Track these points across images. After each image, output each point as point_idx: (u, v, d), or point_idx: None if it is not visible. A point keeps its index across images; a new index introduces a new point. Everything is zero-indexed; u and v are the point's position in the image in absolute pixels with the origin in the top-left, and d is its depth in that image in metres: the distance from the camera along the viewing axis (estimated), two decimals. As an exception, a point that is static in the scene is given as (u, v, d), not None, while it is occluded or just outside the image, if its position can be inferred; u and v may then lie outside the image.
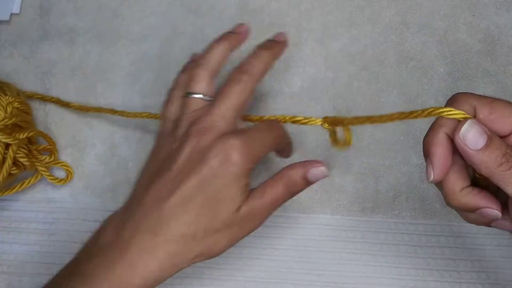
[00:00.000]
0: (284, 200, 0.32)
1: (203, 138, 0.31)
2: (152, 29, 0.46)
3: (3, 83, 0.42)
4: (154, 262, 0.29)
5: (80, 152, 0.43)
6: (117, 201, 0.41)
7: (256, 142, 0.31)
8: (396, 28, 0.45)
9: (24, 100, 0.41)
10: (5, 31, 0.47)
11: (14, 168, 0.39)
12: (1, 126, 0.37)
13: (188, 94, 0.33)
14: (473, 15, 0.45)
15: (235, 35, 0.36)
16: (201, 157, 0.30)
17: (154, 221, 0.29)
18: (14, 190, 0.41)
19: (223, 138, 0.30)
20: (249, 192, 0.31)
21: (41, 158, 0.40)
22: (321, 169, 0.32)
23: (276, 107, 0.43)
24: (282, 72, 0.44)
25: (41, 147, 0.41)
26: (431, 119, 0.43)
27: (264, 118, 0.35)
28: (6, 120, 0.38)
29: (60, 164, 0.42)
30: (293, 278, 0.39)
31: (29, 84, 0.45)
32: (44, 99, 0.44)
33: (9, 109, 0.38)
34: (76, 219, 0.41)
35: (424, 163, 0.41)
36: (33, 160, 0.40)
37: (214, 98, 0.33)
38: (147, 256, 0.29)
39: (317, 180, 0.32)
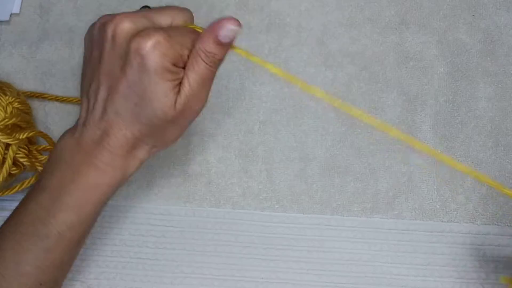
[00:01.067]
0: (213, 74, 0.32)
1: (120, 26, 0.30)
2: (152, 29, 0.46)
3: (3, 83, 0.42)
4: (118, 160, 0.31)
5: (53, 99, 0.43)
6: (115, 198, 0.41)
7: (178, 34, 0.30)
8: (396, 28, 0.45)
9: (24, 100, 0.41)
10: (5, 31, 0.47)
11: (14, 168, 0.39)
12: (1, 126, 0.37)
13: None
14: (473, 15, 0.45)
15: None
16: (121, 55, 0.30)
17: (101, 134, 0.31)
18: (14, 190, 0.41)
19: (144, 31, 0.29)
20: (180, 86, 0.31)
21: (41, 159, 0.40)
22: (229, 27, 0.30)
23: (276, 107, 0.43)
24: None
25: (41, 147, 0.41)
26: (431, 118, 0.43)
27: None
28: (6, 120, 0.38)
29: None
30: (292, 278, 0.39)
31: (28, 84, 0.45)
32: (43, 96, 0.44)
33: (9, 109, 0.38)
34: (76, 219, 0.41)
35: (424, 163, 0.41)
36: (33, 160, 0.40)
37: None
38: (108, 155, 0.31)
39: (232, 39, 0.30)
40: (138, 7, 0.46)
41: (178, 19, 0.32)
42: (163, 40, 0.29)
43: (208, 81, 0.32)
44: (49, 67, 0.45)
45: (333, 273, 0.39)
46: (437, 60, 0.44)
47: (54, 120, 0.44)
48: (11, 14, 0.47)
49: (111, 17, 0.31)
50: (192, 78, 0.31)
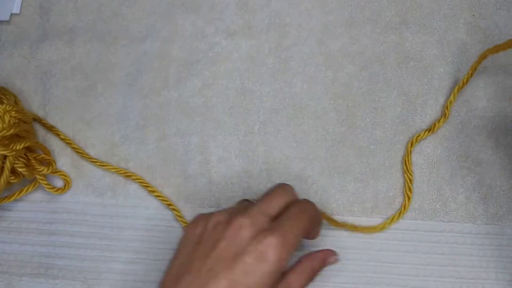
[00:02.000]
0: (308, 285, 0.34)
1: (241, 231, 0.31)
2: (152, 29, 0.46)
3: (0, 89, 0.41)
4: None
5: (80, 152, 0.43)
6: (117, 201, 0.42)
7: (291, 234, 0.32)
8: (396, 28, 0.45)
9: (22, 108, 0.40)
10: (5, 31, 0.47)
11: (13, 177, 0.39)
12: None
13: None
14: (473, 15, 0.45)
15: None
16: (236, 253, 0.31)
17: None
18: (12, 198, 0.41)
19: (260, 235, 0.31)
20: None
21: (40, 169, 0.40)
22: (336, 257, 0.36)
23: (276, 107, 0.43)
24: (283, 72, 0.44)
25: (40, 156, 0.41)
26: (430, 119, 0.43)
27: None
28: (4, 131, 0.37)
29: (58, 173, 0.42)
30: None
31: (29, 84, 0.45)
32: (46, 126, 0.44)
33: (6, 118, 0.37)
34: (76, 219, 0.42)
35: (424, 164, 0.41)
36: (32, 169, 0.40)
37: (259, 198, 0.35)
38: None
39: (329, 265, 0.36)
40: (138, 7, 0.47)
41: (285, 200, 0.34)
42: (281, 240, 0.31)
43: None
44: (50, 67, 0.45)
45: (333, 273, 0.39)
46: (437, 60, 0.44)
47: (54, 120, 0.44)
48: (11, 14, 0.47)
49: (226, 217, 0.33)
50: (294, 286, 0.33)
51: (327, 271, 0.39)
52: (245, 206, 0.34)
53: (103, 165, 0.42)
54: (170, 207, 0.41)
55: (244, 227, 0.31)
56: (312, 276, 0.35)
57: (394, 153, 0.42)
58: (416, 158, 0.41)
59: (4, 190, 0.39)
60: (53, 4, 0.47)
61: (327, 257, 0.36)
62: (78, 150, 0.43)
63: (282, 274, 0.32)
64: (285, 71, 0.44)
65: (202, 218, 0.34)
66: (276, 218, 0.33)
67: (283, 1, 0.46)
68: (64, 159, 0.43)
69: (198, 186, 0.42)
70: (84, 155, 0.42)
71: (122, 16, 0.46)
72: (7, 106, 0.38)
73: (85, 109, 0.44)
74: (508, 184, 0.40)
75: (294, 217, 0.33)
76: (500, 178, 0.41)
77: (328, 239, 0.40)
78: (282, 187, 0.35)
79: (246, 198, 0.39)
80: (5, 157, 0.38)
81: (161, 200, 0.41)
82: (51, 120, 0.44)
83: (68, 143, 0.43)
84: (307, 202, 0.35)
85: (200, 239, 0.32)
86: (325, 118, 0.43)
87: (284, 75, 0.44)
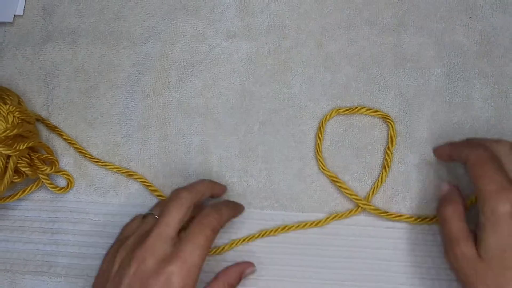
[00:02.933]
0: None
1: (143, 265, 0.32)
2: (154, 31, 0.46)
3: (3, 90, 0.41)
4: None
5: (82, 152, 0.43)
6: (119, 200, 0.42)
7: (193, 256, 0.33)
8: (393, 30, 0.45)
9: (26, 109, 0.40)
10: (9, 33, 0.47)
11: (17, 176, 0.39)
12: (2, 137, 0.37)
13: (148, 213, 0.37)
14: (470, 17, 0.45)
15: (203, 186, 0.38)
16: (141, 286, 0.32)
17: None
18: (16, 197, 0.41)
19: (160, 266, 0.32)
20: None
21: (43, 169, 0.40)
22: (253, 269, 0.39)
23: (275, 107, 0.44)
24: (282, 73, 0.45)
25: (43, 156, 0.41)
26: (428, 119, 0.43)
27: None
28: (8, 132, 0.37)
29: (61, 173, 0.42)
30: (292, 275, 0.40)
31: (32, 85, 0.45)
32: (49, 126, 0.44)
33: (10, 119, 0.38)
34: (79, 218, 0.42)
35: (422, 163, 0.41)
36: (35, 168, 0.40)
37: (158, 215, 0.35)
38: None
39: (247, 276, 0.38)
40: (140, 9, 0.47)
41: (181, 213, 0.35)
42: (184, 265, 0.32)
43: None
44: (53, 68, 0.46)
45: (331, 271, 0.40)
46: (434, 61, 0.44)
47: (57, 120, 0.44)
48: (14, 16, 0.47)
49: (128, 252, 0.34)
50: None
51: (325, 268, 0.40)
52: (144, 232, 0.35)
53: (105, 165, 0.42)
54: None
55: (145, 260, 0.32)
56: None
57: (391, 152, 0.42)
58: (413, 157, 0.42)
59: (7, 190, 0.39)
60: (56, 6, 0.47)
61: (244, 270, 0.38)
62: (80, 150, 0.43)
63: None
64: (284, 72, 0.45)
65: (109, 254, 0.35)
66: (179, 233, 0.34)
67: (282, 3, 0.46)
68: (67, 159, 0.43)
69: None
70: (87, 155, 0.43)
71: (124, 18, 0.47)
72: (11, 106, 0.38)
73: (88, 110, 0.44)
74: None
75: (194, 237, 0.33)
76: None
77: (326, 237, 0.40)
78: (176, 198, 0.35)
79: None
80: (8, 156, 0.38)
81: (163, 199, 0.42)
82: (54, 120, 0.44)
83: (70, 143, 0.43)
84: (207, 213, 0.35)
85: (107, 277, 0.34)
86: (324, 118, 0.43)
87: (283, 76, 0.44)
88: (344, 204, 0.41)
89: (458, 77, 0.44)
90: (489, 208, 0.32)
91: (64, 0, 0.48)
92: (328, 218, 0.40)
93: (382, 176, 0.41)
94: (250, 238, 0.40)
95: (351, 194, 0.40)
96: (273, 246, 0.40)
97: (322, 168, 0.41)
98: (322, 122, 0.42)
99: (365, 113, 0.42)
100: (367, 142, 0.42)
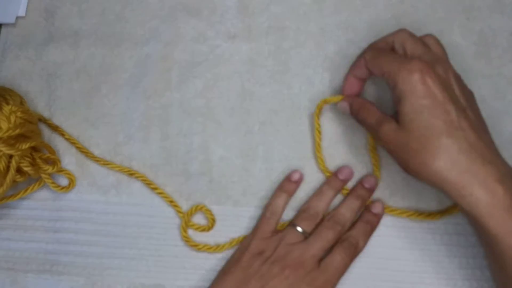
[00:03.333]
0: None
1: (296, 273, 0.36)
2: (155, 32, 0.46)
3: (5, 90, 0.41)
4: None
5: (84, 151, 0.44)
6: (121, 199, 0.42)
7: (333, 278, 0.37)
8: (392, 31, 0.45)
9: (28, 109, 0.40)
10: (11, 34, 0.47)
11: (19, 176, 0.39)
12: (4, 137, 0.37)
13: (293, 224, 0.39)
14: (468, 18, 0.45)
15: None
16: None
17: None
18: (18, 196, 0.41)
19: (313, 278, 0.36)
20: None
21: (45, 168, 0.40)
22: (299, 174, 0.41)
23: (275, 108, 0.44)
24: (282, 74, 0.45)
25: (45, 156, 0.41)
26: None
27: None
28: (10, 131, 0.37)
29: (63, 172, 0.42)
30: (292, 274, 0.40)
31: (34, 85, 0.45)
32: (51, 126, 0.44)
33: (12, 119, 0.37)
34: (81, 217, 0.42)
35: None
36: (37, 168, 0.40)
37: (310, 237, 0.38)
38: None
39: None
40: (141, 11, 0.47)
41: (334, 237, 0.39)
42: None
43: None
44: (55, 69, 0.46)
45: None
46: (433, 62, 0.44)
47: (59, 120, 0.45)
48: (16, 17, 0.47)
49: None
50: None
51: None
52: (298, 245, 0.38)
53: (107, 164, 0.43)
54: (172, 204, 0.42)
55: (295, 271, 0.36)
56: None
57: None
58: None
59: (10, 189, 0.39)
60: (58, 7, 0.48)
61: (291, 177, 0.41)
62: (82, 150, 0.43)
63: None
64: (284, 73, 0.45)
65: (253, 254, 0.38)
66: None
67: (282, 5, 0.46)
68: (69, 158, 0.44)
69: (200, 184, 0.42)
70: (89, 155, 0.43)
71: (125, 19, 0.47)
72: (13, 107, 0.38)
73: (90, 110, 0.45)
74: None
75: (339, 262, 0.37)
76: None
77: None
78: (332, 230, 0.38)
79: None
80: (11, 156, 0.38)
81: (164, 198, 0.42)
82: (56, 120, 0.45)
83: (72, 143, 0.44)
84: (350, 244, 0.38)
85: (256, 273, 0.37)
86: (323, 118, 0.43)
87: (283, 77, 0.45)
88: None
89: (456, 77, 0.44)
90: (402, 81, 0.34)
91: (66, 1, 0.48)
92: None
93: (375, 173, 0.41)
94: None
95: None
96: (273, 244, 0.41)
97: (322, 166, 0.42)
98: (316, 115, 0.42)
99: None
100: (366, 141, 0.43)
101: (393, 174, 0.42)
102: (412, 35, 0.37)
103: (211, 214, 0.41)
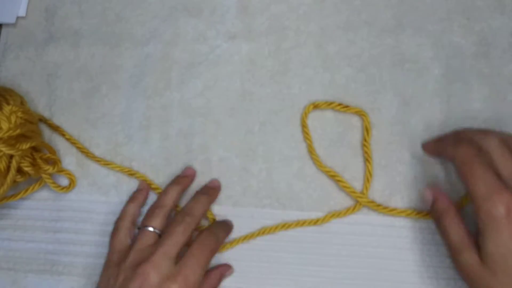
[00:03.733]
0: None
1: (147, 281, 0.34)
2: (155, 32, 0.46)
3: (6, 90, 0.41)
4: None
5: (84, 152, 0.44)
6: (121, 199, 0.42)
7: (194, 274, 0.35)
8: (392, 31, 0.45)
9: (28, 109, 0.41)
10: (11, 34, 0.47)
11: (19, 176, 0.40)
12: (5, 137, 0.37)
13: (144, 226, 0.38)
14: (468, 18, 0.45)
15: (185, 178, 0.42)
16: None
17: None
18: (18, 196, 0.41)
19: (165, 284, 0.34)
20: None
21: (45, 168, 0.40)
22: (231, 271, 0.40)
23: (275, 108, 0.44)
24: (282, 74, 0.45)
25: (46, 156, 0.41)
26: (426, 119, 0.43)
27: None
28: (10, 131, 0.37)
29: (64, 172, 0.42)
30: (292, 273, 0.40)
31: (35, 85, 0.45)
32: (51, 126, 0.44)
33: (12, 119, 0.38)
34: (81, 217, 0.42)
35: (419, 163, 0.41)
36: (38, 168, 0.40)
37: (162, 235, 0.37)
38: None
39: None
40: (141, 11, 0.47)
41: (184, 237, 0.37)
42: (185, 284, 0.35)
43: None
44: (55, 69, 0.46)
45: (331, 269, 0.40)
46: (432, 62, 0.44)
47: (59, 121, 0.45)
48: (17, 17, 0.47)
49: (133, 267, 0.36)
50: None
51: (325, 266, 0.40)
52: (149, 248, 0.36)
53: (107, 164, 0.43)
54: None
55: (149, 276, 0.34)
56: None
57: (389, 152, 0.42)
58: (411, 157, 0.42)
59: (10, 189, 0.39)
60: (58, 7, 0.48)
61: (224, 273, 0.39)
62: (83, 150, 0.43)
63: None
64: (284, 73, 0.45)
65: (109, 269, 0.37)
66: (179, 255, 0.36)
67: (282, 5, 0.46)
68: (69, 159, 0.44)
69: (200, 184, 0.42)
70: (89, 155, 0.43)
71: (125, 19, 0.47)
72: (14, 107, 0.38)
73: (90, 110, 0.45)
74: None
75: (196, 258, 0.36)
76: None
77: (326, 235, 0.41)
78: (183, 222, 0.37)
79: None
80: (11, 156, 0.38)
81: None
82: (57, 120, 0.45)
83: (73, 143, 0.44)
84: (207, 235, 0.38)
85: None
86: (323, 118, 0.44)
87: (283, 77, 0.45)
88: (344, 203, 0.41)
89: (456, 78, 0.44)
90: (484, 213, 0.32)
91: (67, 1, 0.48)
92: (327, 216, 0.41)
93: (368, 169, 0.41)
94: (251, 236, 0.41)
95: (351, 190, 0.41)
96: (273, 244, 0.41)
97: (319, 165, 0.42)
98: (303, 118, 0.43)
99: (337, 108, 0.43)
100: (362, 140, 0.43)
101: (393, 174, 0.42)
102: (503, 144, 0.34)
103: (212, 214, 0.41)
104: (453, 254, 0.34)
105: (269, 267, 0.40)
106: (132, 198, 0.41)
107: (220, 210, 0.42)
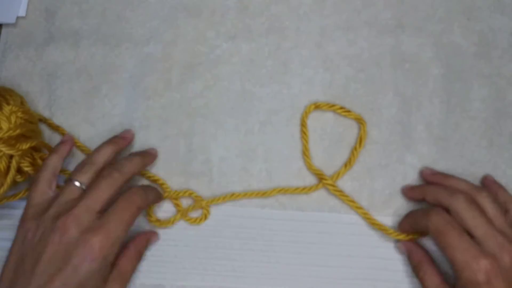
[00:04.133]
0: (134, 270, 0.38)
1: (67, 234, 0.33)
2: (155, 32, 0.46)
3: (6, 90, 0.41)
4: None
5: (85, 151, 0.44)
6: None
7: (116, 230, 0.34)
8: (392, 31, 0.45)
9: (28, 109, 0.40)
10: (12, 34, 0.47)
11: (19, 176, 0.39)
12: (5, 137, 0.37)
13: (70, 179, 0.37)
14: (468, 18, 0.46)
15: (121, 139, 0.41)
16: (64, 256, 0.33)
17: None
18: (18, 196, 0.41)
19: (85, 236, 0.33)
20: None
21: None
22: (157, 236, 0.40)
23: (275, 108, 0.44)
24: (282, 74, 0.45)
25: (46, 155, 0.41)
26: (426, 119, 0.43)
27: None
28: (10, 131, 0.37)
29: (64, 172, 0.42)
30: (292, 273, 0.40)
31: (35, 85, 0.45)
32: (52, 126, 0.44)
33: (12, 119, 0.37)
34: (81, 217, 0.42)
35: (419, 163, 0.41)
36: (37, 168, 0.40)
37: (86, 189, 0.36)
38: None
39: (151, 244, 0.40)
40: (141, 11, 0.47)
41: (110, 192, 0.36)
42: (105, 237, 0.34)
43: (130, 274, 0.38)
44: (55, 69, 0.46)
45: (331, 269, 0.40)
46: (432, 62, 0.44)
47: (59, 121, 0.44)
48: (17, 17, 0.47)
49: (52, 219, 0.35)
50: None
51: (325, 266, 0.40)
52: (72, 201, 0.35)
53: None
54: (175, 202, 0.42)
55: (69, 230, 0.33)
56: (140, 257, 0.38)
57: (389, 152, 0.42)
58: (411, 157, 0.42)
59: (10, 189, 0.39)
60: (58, 7, 0.48)
61: (150, 238, 0.39)
62: (83, 148, 0.43)
63: (112, 264, 0.35)
64: (284, 73, 0.45)
65: (27, 221, 0.36)
66: (103, 211, 0.35)
67: (282, 5, 0.46)
68: (69, 158, 0.43)
69: (200, 184, 0.42)
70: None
71: (126, 19, 0.47)
72: (13, 107, 0.38)
73: (90, 110, 0.45)
74: (501, 183, 0.41)
75: (120, 212, 0.35)
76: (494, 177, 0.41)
77: (326, 235, 0.41)
78: (109, 177, 0.36)
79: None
80: (11, 156, 0.38)
81: (86, 158, 0.40)
82: (57, 120, 0.44)
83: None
84: (134, 191, 0.37)
85: (31, 244, 0.34)
86: (323, 119, 0.44)
87: (283, 77, 0.45)
88: (343, 203, 0.41)
89: (456, 78, 0.44)
90: (465, 281, 0.34)
91: (67, 1, 0.48)
92: (275, 190, 0.41)
93: (339, 172, 0.41)
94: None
95: (318, 173, 0.41)
96: (273, 245, 0.41)
97: (309, 166, 0.42)
98: (303, 117, 0.43)
99: (338, 112, 0.43)
100: (366, 142, 0.43)
101: (394, 174, 0.42)
102: (470, 203, 0.36)
103: (207, 211, 0.41)
104: None
105: (269, 267, 0.40)
106: (54, 150, 0.40)
107: (220, 210, 0.42)
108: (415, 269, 0.38)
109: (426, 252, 0.39)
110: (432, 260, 0.38)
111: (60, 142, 0.41)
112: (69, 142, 0.41)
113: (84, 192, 0.36)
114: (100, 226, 0.34)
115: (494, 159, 0.42)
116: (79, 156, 0.44)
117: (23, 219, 0.36)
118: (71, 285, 0.32)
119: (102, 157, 0.39)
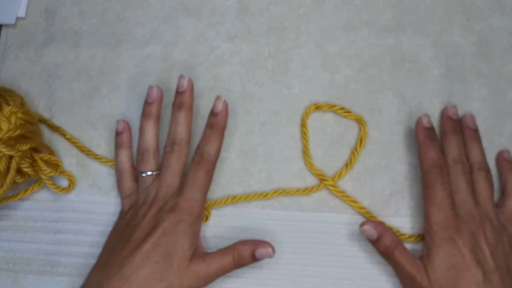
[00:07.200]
0: (231, 270, 0.37)
1: (161, 209, 0.38)
2: (155, 33, 0.46)
3: (6, 91, 0.41)
4: None
5: (85, 151, 0.44)
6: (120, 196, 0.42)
7: (193, 194, 0.38)
8: (392, 31, 0.45)
9: (28, 110, 0.40)
10: (11, 35, 0.47)
11: (19, 176, 0.39)
12: (4, 138, 0.37)
13: (141, 173, 0.40)
14: (468, 19, 0.46)
15: (153, 105, 0.42)
16: (154, 225, 0.37)
17: (119, 279, 0.35)
18: (18, 197, 0.41)
19: (171, 205, 0.37)
20: (202, 249, 0.39)
21: (47, 171, 0.40)
22: (268, 250, 0.37)
23: (275, 108, 0.44)
24: (282, 74, 0.45)
25: (46, 157, 0.41)
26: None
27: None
28: (10, 132, 0.37)
29: (64, 173, 0.42)
30: (293, 273, 0.40)
31: (35, 86, 0.45)
32: (52, 127, 0.44)
33: (12, 120, 0.37)
34: (81, 218, 0.42)
35: (418, 164, 0.41)
36: (37, 169, 0.40)
37: (160, 171, 0.40)
38: None
39: (262, 258, 0.37)
40: (141, 11, 0.47)
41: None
42: (188, 199, 0.38)
43: (224, 271, 0.38)
44: (55, 69, 0.46)
45: (331, 269, 0.40)
46: (432, 62, 0.44)
47: (60, 121, 0.45)
48: (17, 17, 0.47)
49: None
50: (216, 261, 0.37)
51: (325, 267, 0.40)
52: (149, 188, 0.39)
53: (108, 162, 0.43)
54: None
55: (158, 205, 0.38)
56: (238, 261, 0.37)
57: (390, 152, 0.42)
58: (411, 157, 0.42)
59: (10, 190, 0.39)
60: (58, 8, 0.48)
61: (259, 247, 0.37)
62: (83, 148, 0.43)
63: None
64: (284, 73, 0.45)
65: (134, 208, 0.40)
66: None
67: (282, 5, 0.46)
68: (69, 159, 0.44)
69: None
70: (90, 154, 0.43)
71: (125, 20, 0.47)
72: (13, 107, 0.38)
73: (90, 111, 0.45)
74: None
75: (191, 180, 0.38)
76: (494, 177, 0.41)
77: (327, 235, 0.41)
78: (173, 152, 0.39)
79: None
80: (11, 157, 0.38)
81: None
82: (57, 121, 0.45)
83: (73, 143, 0.44)
84: (198, 160, 0.39)
85: (128, 222, 0.39)
86: (323, 119, 0.44)
87: (283, 77, 0.45)
88: (343, 204, 0.41)
89: (456, 78, 0.44)
90: (433, 236, 0.37)
91: (66, 2, 0.48)
92: (276, 192, 0.41)
93: (340, 172, 0.42)
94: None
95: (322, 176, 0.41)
96: (274, 245, 0.41)
97: (310, 166, 0.42)
98: (303, 118, 0.43)
99: (338, 112, 0.43)
100: (366, 142, 0.43)
101: (394, 174, 0.42)
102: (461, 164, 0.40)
103: (209, 213, 0.41)
104: (409, 281, 0.37)
105: (269, 267, 0.40)
106: (118, 144, 0.42)
107: (220, 210, 0.42)
108: (388, 250, 0.37)
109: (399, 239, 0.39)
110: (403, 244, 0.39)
111: (117, 134, 0.43)
112: (126, 131, 0.43)
113: (160, 172, 0.40)
114: (181, 191, 0.38)
115: (494, 159, 0.42)
116: (79, 156, 0.44)
117: (122, 211, 0.41)
118: (162, 245, 0.36)
119: (151, 139, 0.41)
